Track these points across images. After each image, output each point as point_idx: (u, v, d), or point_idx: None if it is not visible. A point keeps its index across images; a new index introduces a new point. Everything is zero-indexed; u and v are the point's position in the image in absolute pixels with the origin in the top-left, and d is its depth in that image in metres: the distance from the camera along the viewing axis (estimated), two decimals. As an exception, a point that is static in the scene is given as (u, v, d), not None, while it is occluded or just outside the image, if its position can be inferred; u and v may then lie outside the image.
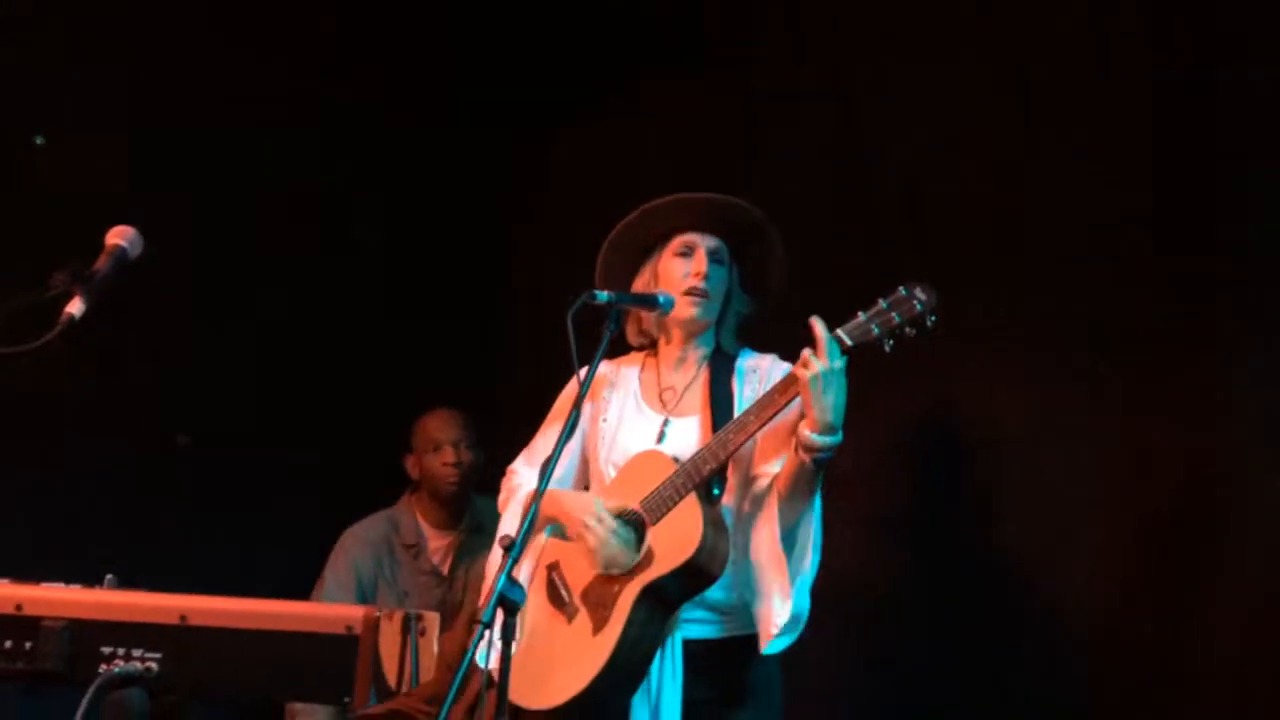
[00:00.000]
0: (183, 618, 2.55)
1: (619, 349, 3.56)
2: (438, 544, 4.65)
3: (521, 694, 3.27)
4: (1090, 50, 4.05)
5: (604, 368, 3.57)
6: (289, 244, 4.85)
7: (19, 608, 2.62)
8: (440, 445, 4.62)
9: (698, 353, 3.52)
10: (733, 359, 3.50)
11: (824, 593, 3.31)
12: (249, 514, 4.68)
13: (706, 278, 3.44)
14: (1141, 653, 3.85)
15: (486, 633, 2.90)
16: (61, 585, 2.68)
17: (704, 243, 3.47)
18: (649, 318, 3.55)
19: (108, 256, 2.87)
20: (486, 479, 4.48)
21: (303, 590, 4.55)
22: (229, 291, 4.72)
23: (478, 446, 4.64)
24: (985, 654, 4.04)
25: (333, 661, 2.53)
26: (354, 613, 2.55)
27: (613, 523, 3.31)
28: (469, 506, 4.66)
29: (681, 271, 3.45)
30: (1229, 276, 3.80)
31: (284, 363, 4.83)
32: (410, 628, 2.75)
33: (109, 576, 2.70)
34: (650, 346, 3.59)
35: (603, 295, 3.29)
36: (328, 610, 2.61)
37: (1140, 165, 3.96)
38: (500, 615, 2.92)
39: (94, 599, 2.62)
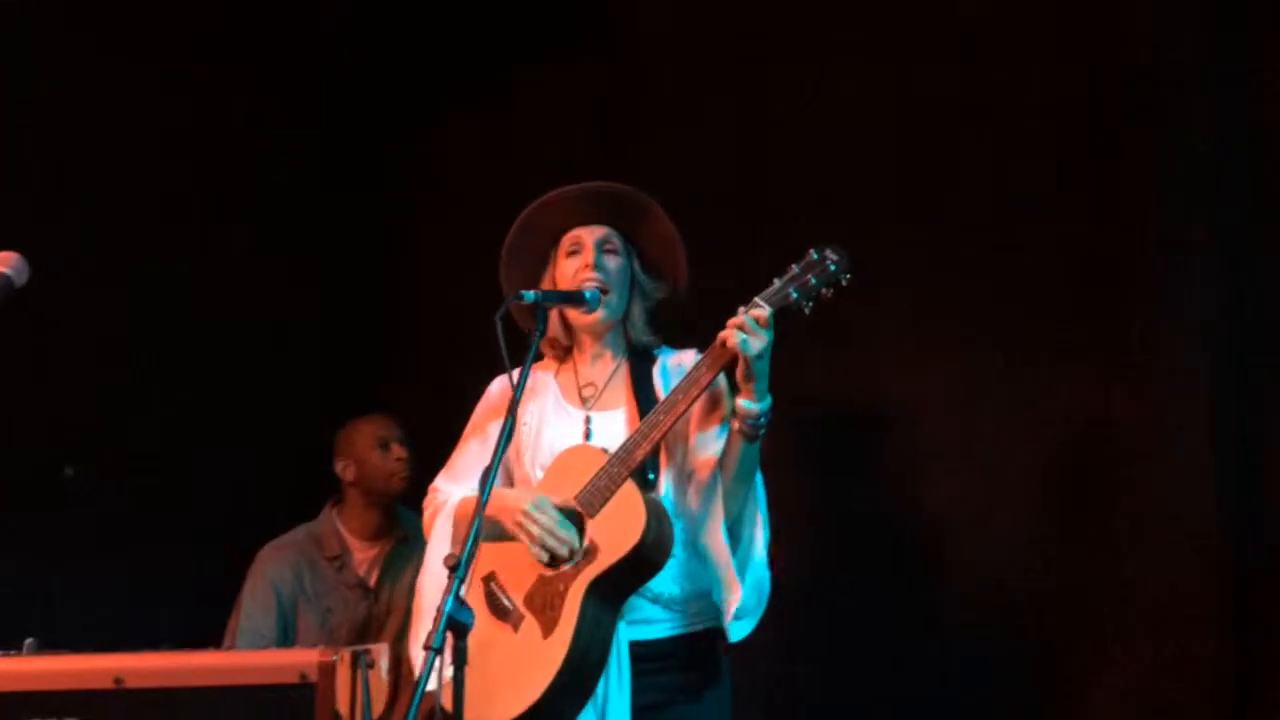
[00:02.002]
0: (118, 680, 2.38)
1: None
2: (363, 555, 4.51)
3: (475, 714, 3.08)
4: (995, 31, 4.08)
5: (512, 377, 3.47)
6: (162, 250, 4.72)
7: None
8: (388, 443, 4.52)
9: (613, 349, 3.44)
10: (653, 355, 3.42)
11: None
12: (150, 546, 4.51)
13: (597, 267, 3.35)
14: (1063, 611, 3.90)
15: (437, 659, 2.76)
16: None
17: (590, 236, 3.40)
18: (556, 325, 3.44)
19: None
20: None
21: (219, 617, 4.39)
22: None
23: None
24: (911, 622, 4.05)
25: (290, 712, 2.39)
26: (307, 658, 2.43)
27: (554, 512, 3.21)
28: (396, 517, 4.53)
29: (573, 269, 3.37)
30: (1139, 242, 3.86)
31: (149, 377, 4.71)
32: (360, 664, 2.63)
33: (28, 641, 2.51)
34: (565, 353, 3.50)
35: (529, 295, 3.23)
36: (279, 658, 2.48)
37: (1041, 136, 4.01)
38: (450, 639, 2.80)
39: (15, 668, 2.43)
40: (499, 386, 3.47)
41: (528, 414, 3.43)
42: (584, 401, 3.42)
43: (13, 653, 2.49)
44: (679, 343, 3.45)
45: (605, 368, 3.43)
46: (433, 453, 4.36)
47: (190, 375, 4.76)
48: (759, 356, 3.12)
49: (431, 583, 3.32)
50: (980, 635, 3.98)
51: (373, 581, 4.47)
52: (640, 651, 3.23)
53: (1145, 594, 3.78)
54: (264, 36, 4.89)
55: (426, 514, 3.49)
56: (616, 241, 3.41)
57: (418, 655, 3.26)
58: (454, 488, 3.44)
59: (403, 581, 4.39)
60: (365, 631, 4.36)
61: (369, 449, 4.51)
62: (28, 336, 4.04)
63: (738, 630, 3.23)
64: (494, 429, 3.33)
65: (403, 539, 4.49)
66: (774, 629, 3.79)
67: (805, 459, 4.21)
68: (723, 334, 3.15)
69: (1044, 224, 4.00)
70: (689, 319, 3.40)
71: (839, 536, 4.23)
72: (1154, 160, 3.86)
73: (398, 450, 4.50)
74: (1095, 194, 3.93)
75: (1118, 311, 3.89)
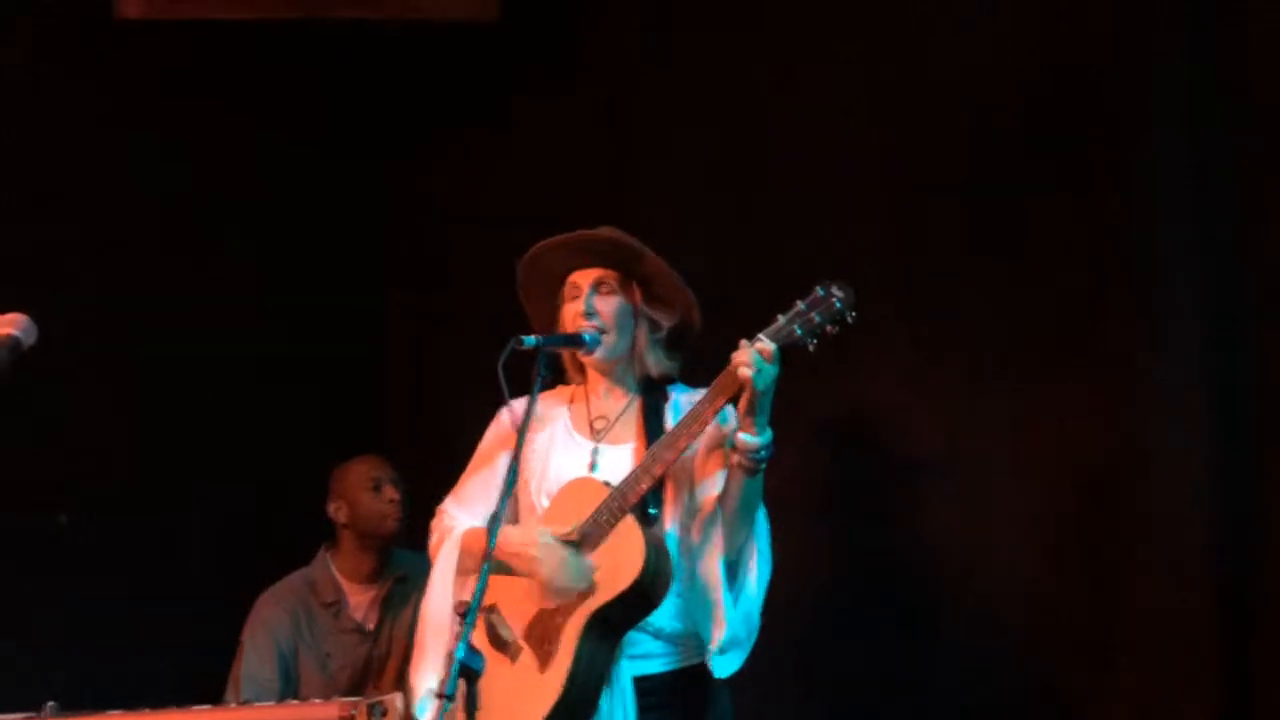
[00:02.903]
0: (140, 742, 2.38)
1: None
2: (359, 599, 4.49)
3: None
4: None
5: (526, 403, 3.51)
6: (160, 283, 4.73)
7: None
8: (381, 484, 4.50)
9: (627, 384, 3.46)
10: (666, 392, 3.43)
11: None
12: (146, 594, 4.51)
13: (590, 315, 3.38)
14: (1068, 625, 3.90)
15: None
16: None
17: (586, 280, 3.42)
18: (569, 360, 3.48)
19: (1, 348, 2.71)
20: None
21: (219, 665, 4.37)
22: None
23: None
24: (913, 639, 4.06)
25: (311, 766, 2.39)
26: (327, 713, 2.41)
27: (564, 549, 3.23)
28: (390, 558, 4.52)
29: (572, 314, 3.41)
30: (1136, 251, 3.87)
31: (154, 416, 4.70)
32: (374, 714, 2.64)
33: (49, 704, 2.50)
34: (580, 380, 3.52)
35: (529, 340, 3.25)
36: (299, 712, 2.46)
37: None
38: (463, 685, 2.83)
39: (38, 733, 2.42)
40: (509, 414, 3.46)
41: (537, 441, 3.45)
42: (594, 433, 3.43)
43: (34, 717, 2.47)
44: (700, 368, 3.44)
45: (618, 402, 3.44)
46: (428, 494, 4.43)
47: (185, 416, 4.74)
48: (764, 392, 3.13)
49: (435, 609, 3.34)
50: (980, 648, 4.00)
51: (371, 625, 4.45)
52: (644, 686, 3.24)
53: (1148, 604, 3.80)
54: (265, 63, 4.89)
55: (433, 538, 3.49)
56: (613, 281, 3.42)
57: (418, 681, 3.30)
58: (461, 513, 3.45)
59: (402, 621, 4.38)
60: (366, 675, 4.35)
61: (361, 490, 4.49)
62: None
63: (722, 665, 3.21)
64: (502, 459, 3.39)
65: (399, 579, 4.47)
66: (777, 659, 3.83)
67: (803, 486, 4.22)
68: (728, 369, 3.17)
69: (1040, 235, 4.01)
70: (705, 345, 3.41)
71: (833, 563, 4.24)
72: (1137, 166, 3.89)
73: (390, 491, 4.48)
74: (1077, 194, 3.95)
75: (1107, 323, 3.90)
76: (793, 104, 4.35)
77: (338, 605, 4.45)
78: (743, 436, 3.15)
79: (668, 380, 3.45)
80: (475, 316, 4.55)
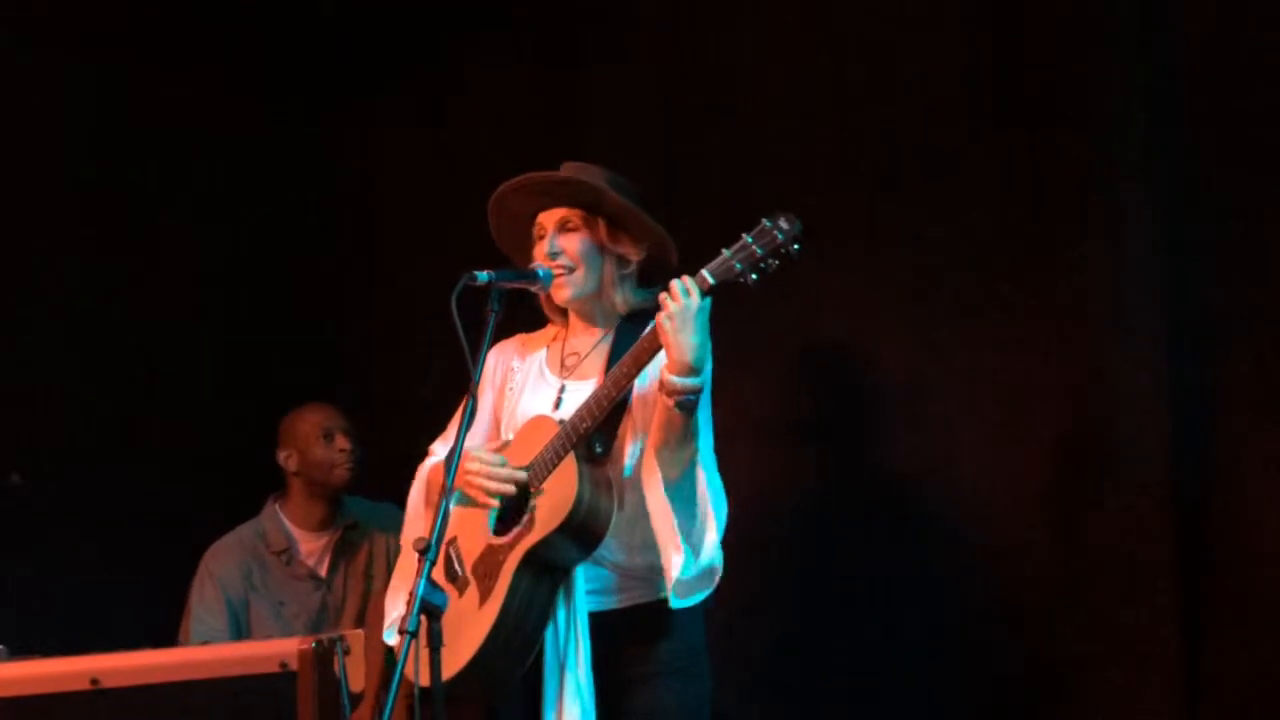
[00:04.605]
0: (95, 681, 2.32)
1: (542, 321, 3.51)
2: (310, 547, 4.44)
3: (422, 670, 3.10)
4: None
5: (515, 343, 3.52)
6: (97, 245, 4.66)
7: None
8: (332, 434, 4.44)
9: (602, 320, 3.43)
10: (643, 326, 3.34)
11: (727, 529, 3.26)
12: (93, 545, 4.45)
13: (554, 255, 3.35)
14: (1036, 568, 3.91)
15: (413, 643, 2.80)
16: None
17: (550, 220, 3.39)
18: (546, 300, 3.44)
19: None
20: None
21: (168, 617, 4.32)
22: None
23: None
24: (885, 586, 4.05)
25: (272, 703, 2.34)
26: (287, 647, 2.38)
27: (490, 456, 3.25)
28: (341, 506, 4.48)
29: (539, 255, 3.38)
30: (1094, 184, 3.86)
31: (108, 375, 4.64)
32: (337, 649, 2.60)
33: (0, 647, 2.44)
34: (562, 322, 3.50)
35: (482, 275, 3.19)
36: (258, 649, 2.43)
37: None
38: (425, 622, 2.83)
39: (-12, 675, 2.36)
40: (496, 354, 3.47)
41: (513, 381, 3.45)
42: (564, 370, 3.42)
43: (-16, 661, 2.41)
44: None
45: (591, 339, 3.42)
46: (382, 444, 4.39)
47: (130, 370, 4.69)
48: (681, 332, 3.06)
49: (408, 543, 3.33)
50: (950, 597, 4.00)
51: (324, 571, 4.40)
52: (599, 620, 3.22)
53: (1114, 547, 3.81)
54: (204, 16, 4.82)
55: (419, 475, 3.50)
56: (577, 219, 3.38)
57: (391, 603, 3.32)
58: (445, 450, 3.41)
59: (356, 567, 4.37)
60: (321, 621, 4.30)
61: (312, 439, 4.43)
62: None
63: (676, 601, 3.17)
64: (485, 399, 3.39)
65: (350, 526, 4.44)
66: (748, 587, 3.84)
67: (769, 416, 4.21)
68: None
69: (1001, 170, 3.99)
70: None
71: (800, 491, 4.23)
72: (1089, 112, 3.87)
73: (341, 441, 4.43)
74: (1029, 128, 3.93)
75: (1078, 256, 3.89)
76: (741, 42, 4.33)
77: (289, 553, 4.40)
78: (664, 373, 3.10)
79: (646, 315, 3.36)
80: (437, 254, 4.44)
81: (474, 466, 3.24)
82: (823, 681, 4.07)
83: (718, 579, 3.20)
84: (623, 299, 3.40)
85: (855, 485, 4.14)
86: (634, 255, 3.38)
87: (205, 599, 4.32)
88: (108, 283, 4.69)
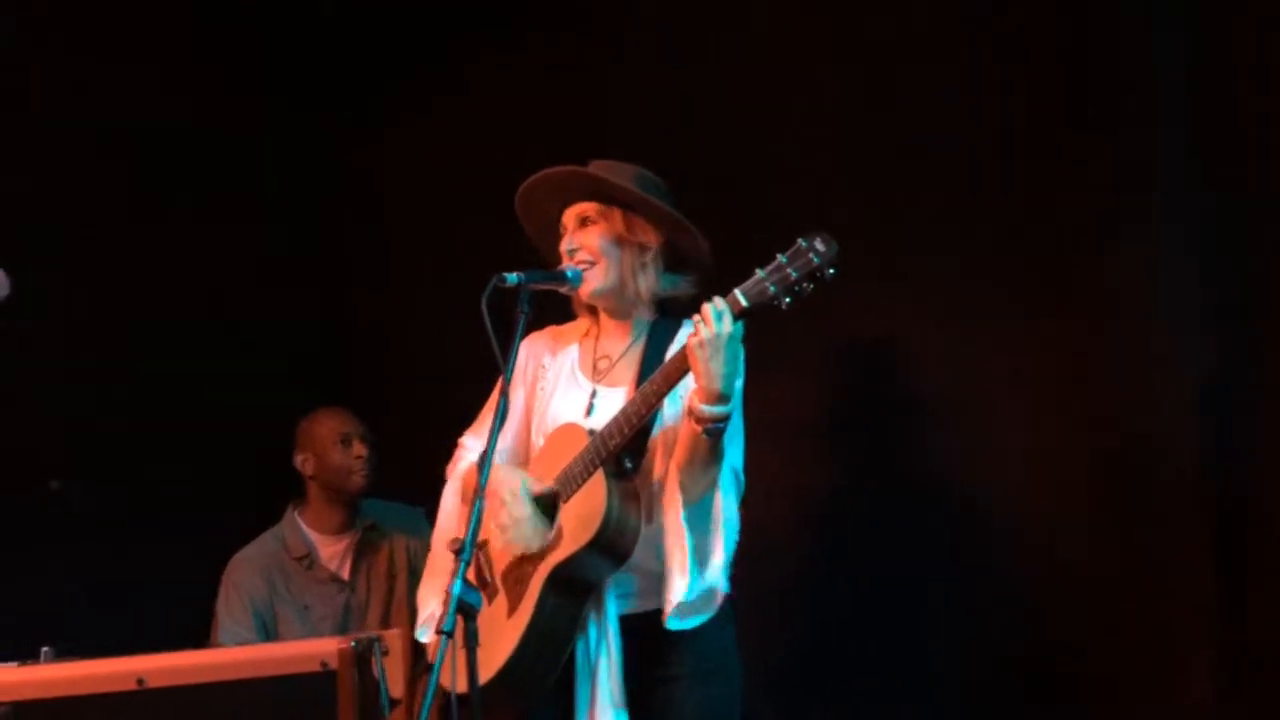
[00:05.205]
0: (140, 681, 2.36)
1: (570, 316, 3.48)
2: (331, 550, 4.46)
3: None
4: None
5: (546, 336, 3.47)
6: (111, 252, 4.64)
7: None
8: (350, 439, 4.45)
9: (636, 318, 3.39)
10: (676, 326, 3.35)
11: (758, 529, 3.26)
12: (123, 550, 4.43)
13: (573, 252, 3.33)
14: (1071, 569, 3.89)
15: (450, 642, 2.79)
16: (-6, 666, 2.43)
17: (570, 217, 3.37)
18: (577, 298, 3.42)
19: None
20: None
21: (197, 621, 4.36)
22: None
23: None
24: (918, 586, 4.04)
25: (312, 702, 2.38)
26: (327, 647, 2.41)
27: (526, 506, 3.20)
28: (359, 509, 4.49)
29: (563, 252, 3.36)
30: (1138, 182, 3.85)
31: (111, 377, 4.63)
32: (375, 650, 2.63)
33: (45, 649, 2.47)
34: (593, 319, 3.46)
35: (512, 277, 3.15)
36: (299, 648, 2.46)
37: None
38: (461, 622, 2.82)
39: (36, 676, 2.40)
40: (527, 349, 3.44)
41: (544, 379, 3.41)
42: (596, 374, 3.38)
43: (31, 662, 2.44)
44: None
45: (622, 340, 3.38)
46: (398, 450, 4.40)
47: (151, 375, 4.69)
48: (712, 361, 3.02)
49: (439, 539, 3.36)
50: (989, 591, 3.99)
51: (346, 574, 4.42)
52: (629, 625, 3.21)
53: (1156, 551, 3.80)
54: (204, 16, 4.82)
55: (450, 469, 3.49)
56: (593, 213, 3.34)
57: (424, 597, 3.32)
58: (476, 445, 3.40)
59: (377, 568, 4.39)
60: (347, 622, 4.32)
61: (329, 444, 4.44)
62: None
63: (673, 623, 3.13)
64: (517, 395, 3.36)
65: (370, 527, 4.46)
66: (778, 590, 3.86)
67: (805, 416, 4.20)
68: (688, 336, 3.08)
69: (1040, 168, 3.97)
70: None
71: (833, 494, 4.23)
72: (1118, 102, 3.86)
73: (359, 447, 4.44)
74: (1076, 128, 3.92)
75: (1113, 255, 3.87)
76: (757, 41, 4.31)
77: (310, 558, 4.42)
78: (693, 401, 3.06)
79: (678, 308, 3.36)
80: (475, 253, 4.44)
81: (509, 506, 3.20)
82: (854, 683, 4.08)
83: (719, 602, 3.16)
84: (646, 287, 3.34)
85: (886, 486, 4.13)
86: (652, 241, 3.33)
87: (232, 610, 4.34)
88: (108, 283, 4.68)
